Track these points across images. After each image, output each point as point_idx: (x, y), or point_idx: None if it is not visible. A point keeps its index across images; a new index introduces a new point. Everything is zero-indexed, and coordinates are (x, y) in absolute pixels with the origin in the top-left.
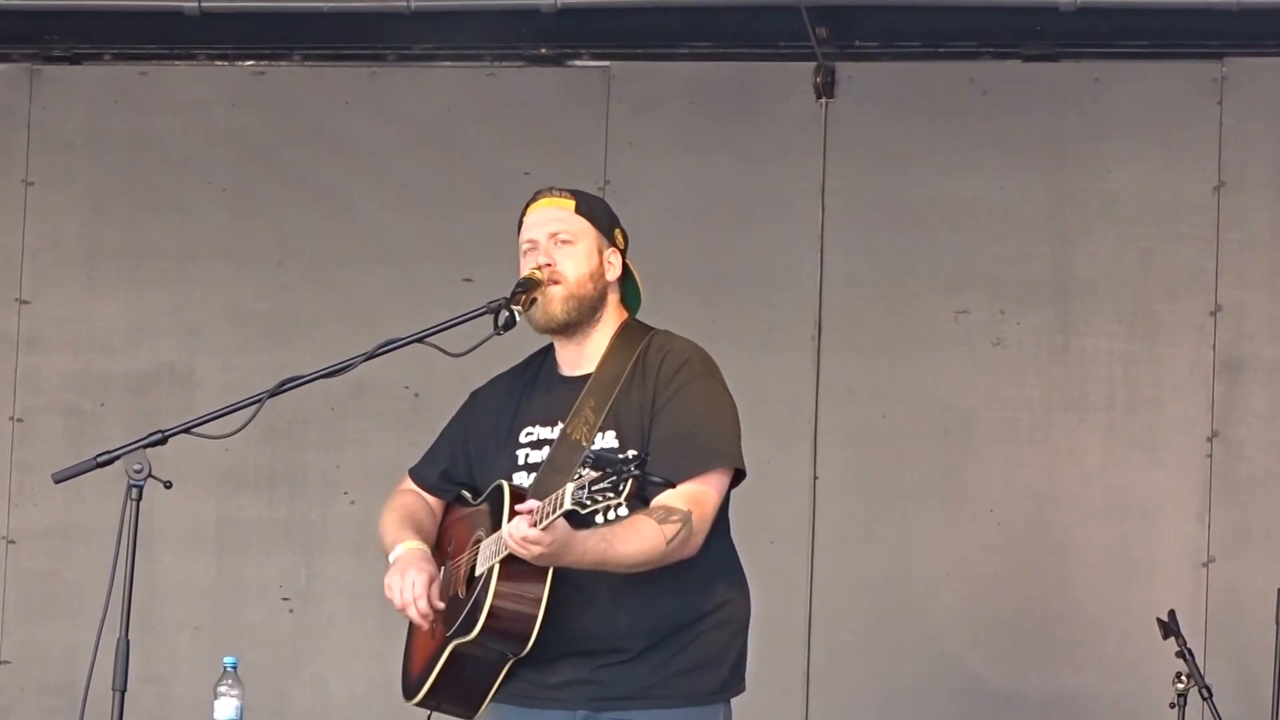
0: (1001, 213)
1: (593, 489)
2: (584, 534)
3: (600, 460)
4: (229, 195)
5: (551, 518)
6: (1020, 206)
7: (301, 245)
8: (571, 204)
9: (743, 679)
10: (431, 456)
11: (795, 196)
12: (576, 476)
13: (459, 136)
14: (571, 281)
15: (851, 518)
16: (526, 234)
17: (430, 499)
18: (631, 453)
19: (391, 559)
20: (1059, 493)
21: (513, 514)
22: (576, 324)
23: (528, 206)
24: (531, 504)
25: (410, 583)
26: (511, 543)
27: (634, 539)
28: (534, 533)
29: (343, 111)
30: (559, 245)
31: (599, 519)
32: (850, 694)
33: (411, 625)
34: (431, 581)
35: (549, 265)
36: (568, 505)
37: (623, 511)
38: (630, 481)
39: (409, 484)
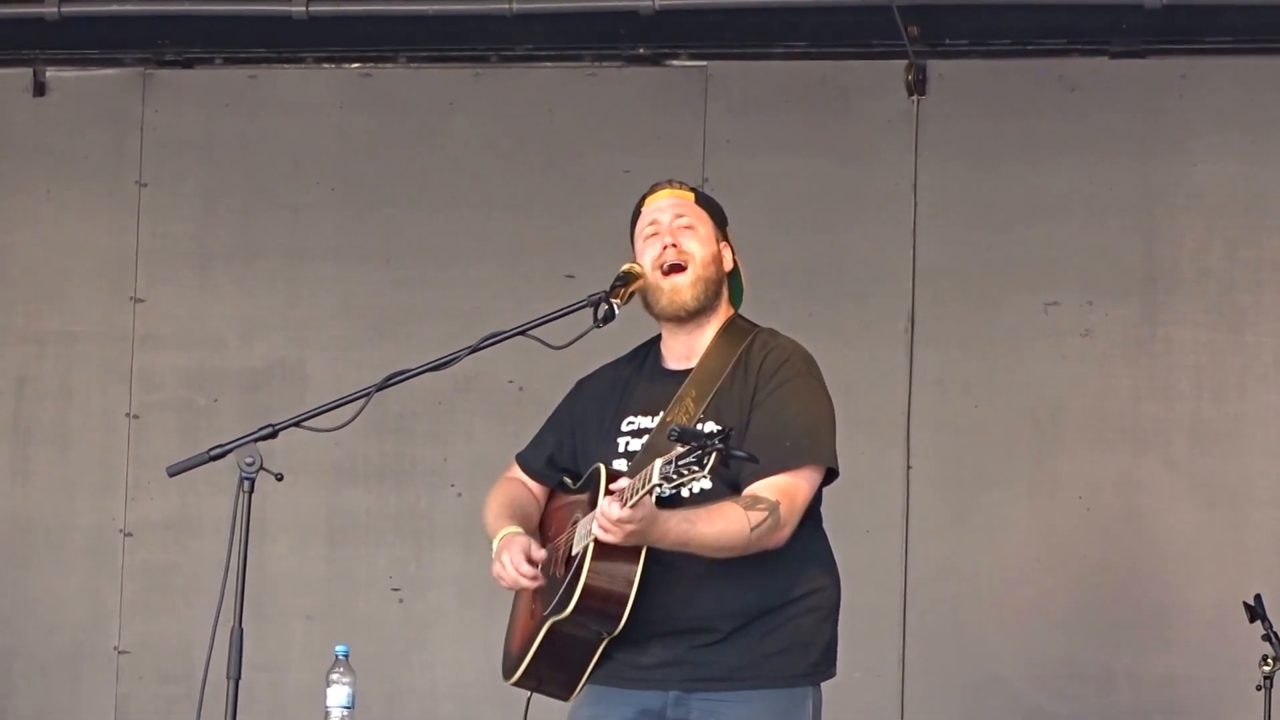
0: (1090, 207)
1: (679, 464)
2: (668, 513)
3: (685, 434)
4: (337, 195)
5: (640, 493)
6: (1108, 200)
7: (408, 243)
8: (691, 195)
9: (833, 664)
10: (538, 443)
11: (888, 192)
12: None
13: (560, 136)
14: (699, 262)
15: (944, 506)
16: (649, 217)
17: (534, 485)
18: (715, 427)
19: (495, 548)
20: (1147, 481)
21: (607, 494)
22: (703, 310)
23: (645, 197)
24: (623, 483)
25: (511, 559)
26: (602, 521)
27: (718, 521)
28: (625, 512)
29: (447, 112)
30: (682, 230)
31: (685, 493)
32: (944, 679)
33: (514, 607)
34: (526, 549)
35: (674, 246)
36: (655, 480)
37: (705, 484)
38: (714, 455)
39: (515, 470)
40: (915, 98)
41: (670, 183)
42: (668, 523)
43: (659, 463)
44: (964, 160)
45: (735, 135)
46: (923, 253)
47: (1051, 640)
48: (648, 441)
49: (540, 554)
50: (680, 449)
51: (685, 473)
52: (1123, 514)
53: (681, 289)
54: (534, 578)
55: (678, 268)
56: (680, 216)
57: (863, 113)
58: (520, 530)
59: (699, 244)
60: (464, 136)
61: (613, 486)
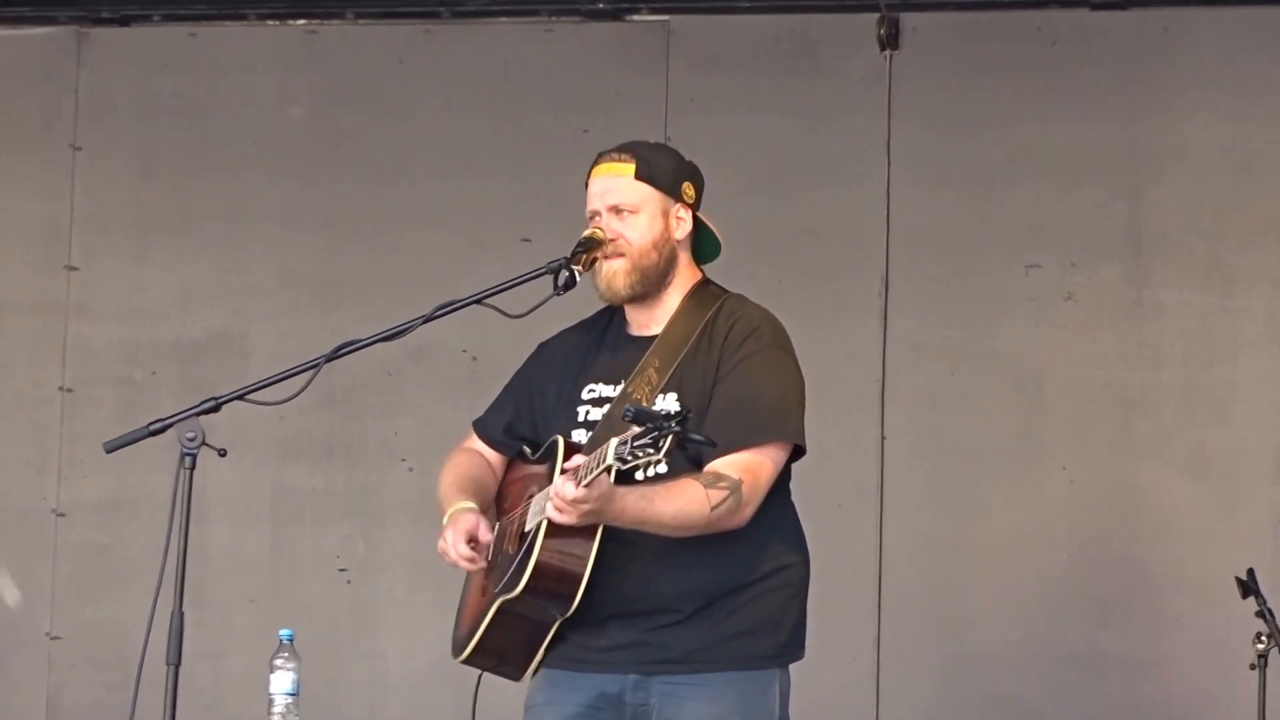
0: (1072, 165)
1: (634, 444)
2: (624, 490)
3: (640, 415)
4: (282, 158)
5: (595, 473)
6: (1091, 159)
7: (356, 207)
8: (630, 168)
9: (801, 646)
10: (496, 409)
11: (860, 153)
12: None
13: (516, 95)
14: (635, 252)
15: (921, 479)
16: (589, 204)
17: (491, 455)
18: (674, 408)
19: (445, 522)
20: (1134, 451)
21: (563, 473)
22: (643, 295)
23: (592, 168)
24: (578, 460)
25: (450, 538)
26: (556, 501)
27: (676, 499)
28: (579, 492)
29: (396, 70)
30: (620, 217)
31: (639, 475)
32: (921, 660)
33: (466, 582)
34: (472, 529)
35: (613, 241)
36: (610, 460)
37: (662, 469)
38: (670, 438)
39: (473, 439)
40: (888, 53)
41: (609, 155)
42: (624, 500)
43: (614, 442)
44: (939, 118)
45: (699, 93)
46: (897, 215)
47: (1035, 620)
48: (609, 412)
49: (487, 536)
50: (636, 430)
51: (640, 454)
52: (1109, 486)
53: (615, 276)
54: (472, 560)
55: (614, 255)
56: (616, 205)
57: (833, 69)
58: (473, 506)
59: (636, 233)
60: (414, 96)
61: (568, 464)
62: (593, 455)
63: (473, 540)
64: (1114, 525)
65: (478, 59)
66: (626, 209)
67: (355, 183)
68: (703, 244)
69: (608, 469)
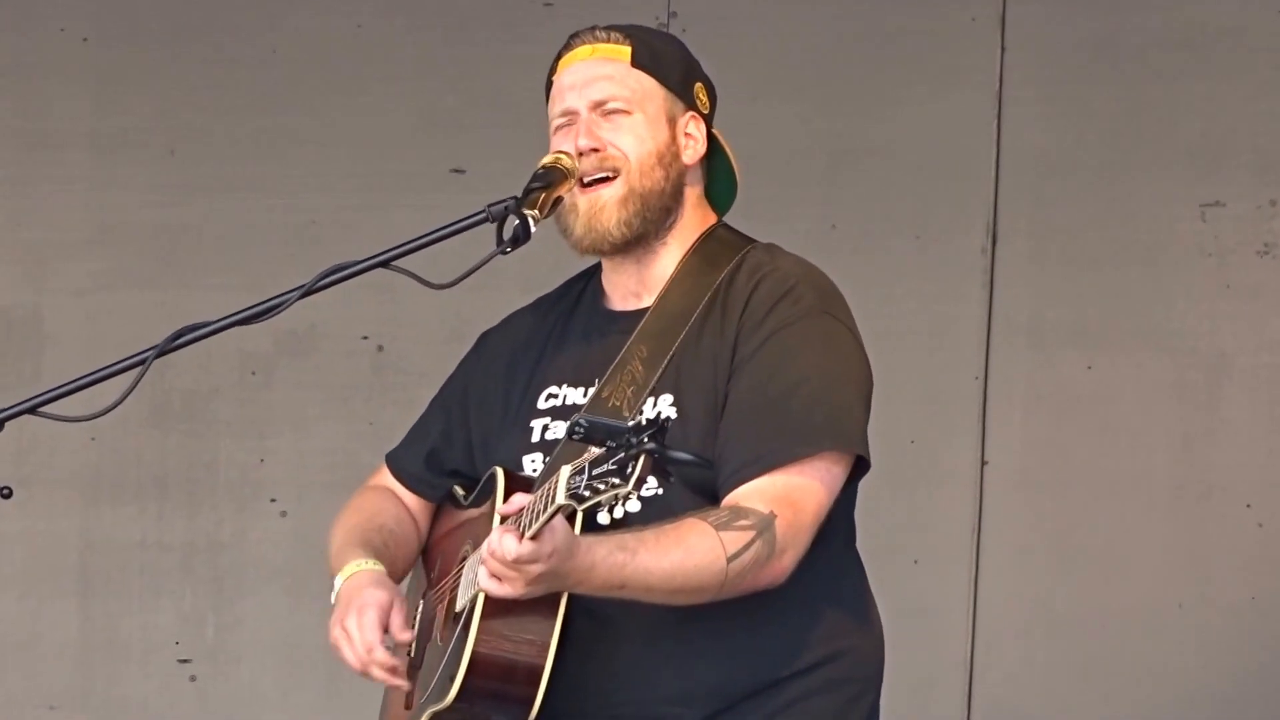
0: (1276, 49)
1: (592, 475)
2: (592, 540)
3: (596, 429)
4: (93, 48)
5: (542, 519)
6: None
7: (202, 123)
8: (627, 50)
9: None
10: (417, 433)
11: (959, 35)
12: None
13: None
14: (634, 169)
15: (1037, 521)
16: (559, 102)
17: (411, 500)
18: (643, 416)
19: (334, 597)
20: None
21: (502, 521)
22: (640, 237)
23: (559, 59)
24: (519, 500)
25: (360, 628)
26: (493, 564)
27: (672, 548)
28: (525, 548)
29: None
30: (609, 117)
31: (602, 518)
32: None
33: (385, 696)
34: (384, 612)
35: (595, 150)
36: (561, 499)
37: (632, 506)
38: (640, 460)
39: (384, 476)
40: None
41: (594, 33)
42: (592, 554)
43: (565, 472)
44: None
45: None
46: (1012, 126)
47: (1201, 712)
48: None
49: (406, 635)
50: (594, 452)
51: (603, 487)
52: None
53: (603, 209)
54: (393, 671)
55: (600, 179)
56: (604, 102)
57: None
58: (379, 567)
59: (634, 137)
60: None
61: (507, 508)
62: (539, 493)
63: (386, 630)
64: None
65: None
66: (619, 107)
67: (201, 85)
68: (714, 181)
69: (556, 512)
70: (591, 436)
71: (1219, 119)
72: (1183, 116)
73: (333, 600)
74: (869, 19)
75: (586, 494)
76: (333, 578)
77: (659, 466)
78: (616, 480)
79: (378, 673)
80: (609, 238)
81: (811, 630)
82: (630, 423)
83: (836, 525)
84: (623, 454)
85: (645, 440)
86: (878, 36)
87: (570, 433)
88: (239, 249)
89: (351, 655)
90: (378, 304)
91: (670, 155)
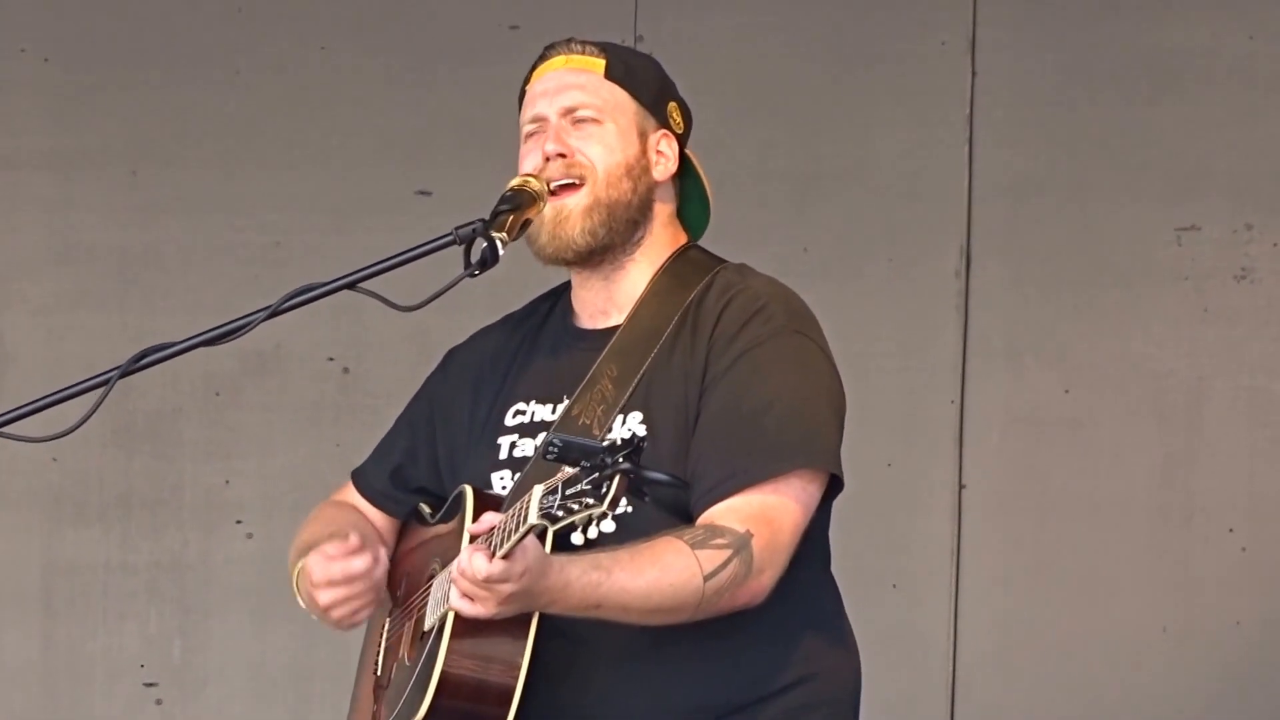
0: (1250, 74)
1: (567, 494)
2: (565, 560)
3: (570, 448)
4: (55, 67)
5: (514, 538)
6: (1274, 63)
7: (165, 143)
8: (601, 63)
9: None
10: (382, 450)
11: (930, 55)
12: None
13: None
14: (600, 179)
15: (1017, 545)
16: (530, 108)
17: (377, 516)
18: (617, 436)
19: (301, 600)
20: None
21: (472, 540)
22: (606, 249)
23: (533, 69)
24: (489, 519)
25: (331, 577)
26: (463, 583)
27: (648, 567)
28: (496, 567)
29: None
30: (579, 125)
31: (576, 538)
32: None
33: (351, 707)
34: (354, 551)
35: (562, 156)
36: (533, 519)
37: (607, 527)
38: (616, 479)
39: (349, 493)
40: None
41: (569, 45)
42: (565, 573)
43: (538, 492)
44: (1050, 1)
45: None
46: (984, 149)
47: None
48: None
49: (362, 556)
50: (568, 472)
51: (576, 507)
52: None
53: (568, 218)
54: (374, 561)
55: (566, 185)
56: (575, 109)
57: None
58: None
59: (603, 147)
60: None
61: (477, 526)
62: (510, 512)
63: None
64: None
65: None
66: (589, 115)
67: (166, 105)
68: (688, 203)
69: (528, 532)
70: (566, 456)
71: (1193, 143)
72: (1157, 140)
73: (294, 583)
74: (839, 42)
75: (560, 514)
76: (291, 580)
77: (634, 486)
78: (591, 500)
79: (379, 571)
80: (573, 245)
81: (788, 652)
82: (605, 442)
83: (812, 547)
84: (597, 474)
85: (620, 460)
86: (848, 60)
87: (544, 452)
88: (202, 270)
89: (359, 596)
90: (343, 325)
91: (639, 169)
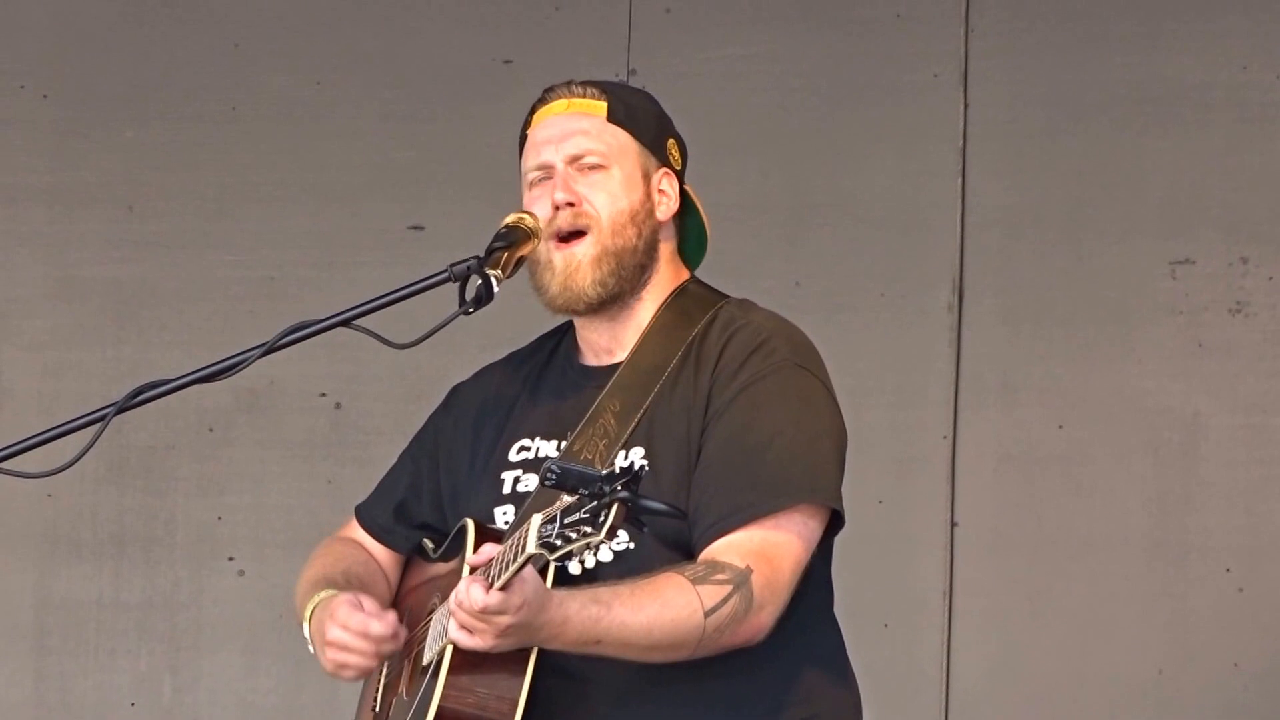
0: (1244, 106)
1: (565, 522)
2: (565, 594)
3: (566, 476)
4: (53, 104)
5: (512, 569)
6: (1277, 93)
7: (161, 179)
8: (603, 106)
9: None
10: (386, 486)
11: (922, 88)
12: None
13: (405, 8)
14: (605, 226)
15: (1010, 583)
16: (534, 156)
17: (380, 552)
18: (618, 464)
19: (307, 631)
20: None
21: (471, 571)
22: (616, 296)
23: (533, 113)
24: (488, 550)
25: (346, 621)
26: (461, 616)
27: (649, 603)
28: (493, 599)
29: None
30: (585, 173)
31: (573, 567)
32: None
33: None
34: (357, 603)
35: (571, 205)
36: (531, 548)
37: (604, 555)
38: (614, 508)
39: (353, 529)
40: None
41: (570, 88)
42: (566, 608)
43: (536, 521)
44: (1043, 37)
45: (681, 7)
46: (978, 183)
47: None
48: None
49: (385, 621)
50: (566, 500)
51: (574, 535)
52: None
53: (578, 268)
54: (394, 635)
55: (575, 233)
56: (581, 156)
57: None
58: (331, 593)
59: (609, 195)
60: (245, 9)
61: (476, 558)
62: (509, 542)
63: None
64: None
65: None
66: (594, 162)
67: (164, 143)
68: (686, 237)
69: (526, 561)
70: (564, 483)
71: (1187, 175)
72: (1151, 173)
73: (311, 649)
74: (832, 75)
75: (558, 543)
76: (299, 616)
77: (632, 515)
78: (589, 529)
79: (387, 646)
80: (584, 297)
81: (789, 690)
82: (604, 470)
83: (814, 585)
84: (595, 502)
85: (618, 488)
86: (840, 93)
87: (542, 479)
88: (198, 305)
89: (352, 649)
90: (337, 362)
91: (644, 212)
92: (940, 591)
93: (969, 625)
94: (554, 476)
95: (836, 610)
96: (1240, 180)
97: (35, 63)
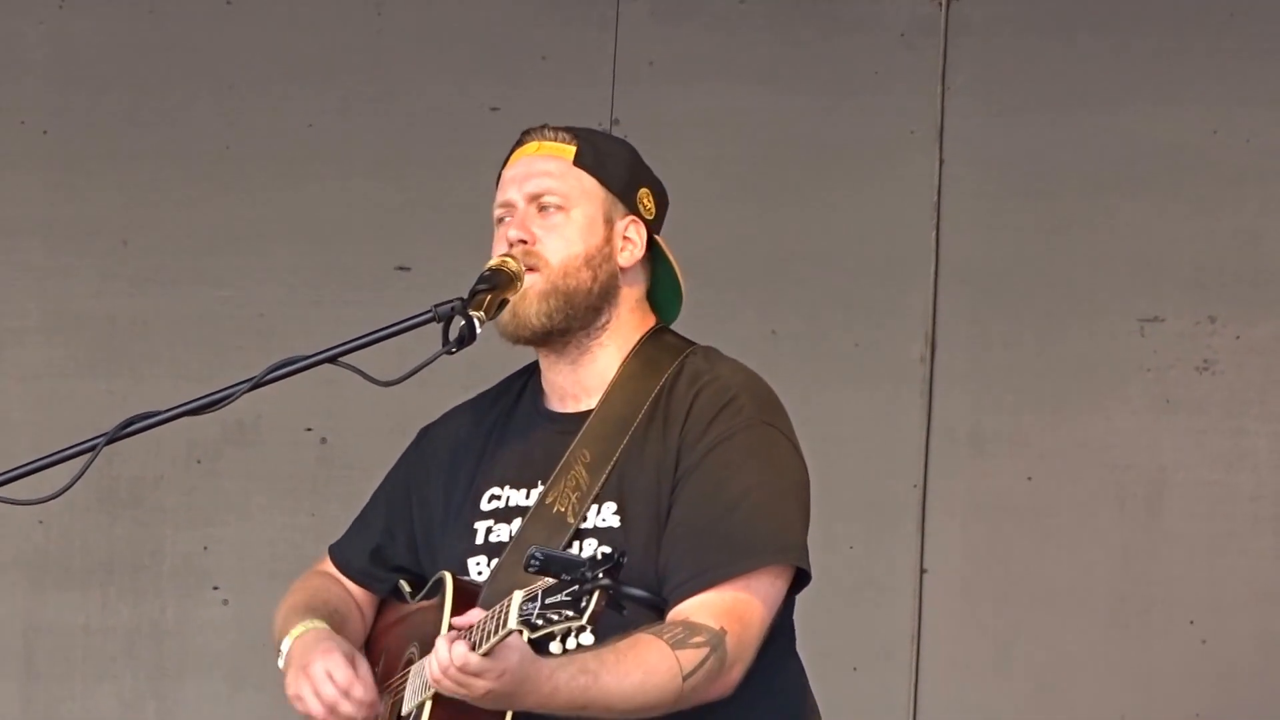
0: (1213, 167)
1: (546, 602)
2: (555, 663)
3: (551, 563)
4: (52, 140)
5: (494, 639)
6: (1246, 156)
7: (156, 215)
8: (571, 150)
9: None
10: (360, 527)
11: (898, 143)
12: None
13: (391, 53)
14: (555, 267)
15: (978, 631)
16: (502, 194)
17: (356, 592)
18: (600, 549)
19: (282, 661)
20: None
21: (451, 630)
22: (564, 332)
23: (510, 154)
24: (473, 615)
25: (324, 673)
26: (443, 680)
27: (633, 670)
28: (477, 661)
29: (222, 17)
30: (543, 214)
31: (554, 647)
32: None
33: None
34: (352, 659)
35: (523, 243)
36: (513, 624)
37: (586, 639)
38: (595, 595)
39: (327, 566)
40: (943, 1)
41: (543, 132)
42: (555, 677)
43: (518, 598)
44: (1014, 91)
45: (660, 54)
46: (951, 238)
47: None
48: (520, 533)
49: (364, 687)
50: (548, 582)
51: (556, 618)
52: (1257, 647)
53: (524, 297)
54: (371, 705)
55: (529, 269)
56: (540, 196)
57: (862, 22)
58: (322, 625)
59: (563, 239)
60: (241, 52)
61: (458, 620)
62: (491, 612)
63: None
64: (1265, 702)
65: (339, 7)
66: (554, 203)
67: (158, 181)
68: (659, 289)
69: (507, 635)
70: (547, 569)
71: (1157, 234)
72: (1121, 231)
73: (281, 664)
74: (809, 129)
75: (539, 623)
76: (276, 646)
77: (613, 602)
78: (570, 613)
79: (349, 711)
80: (529, 325)
81: None
82: (588, 556)
83: (778, 630)
84: (578, 587)
85: (601, 576)
86: (818, 146)
87: (525, 565)
88: (189, 340)
89: (317, 705)
90: (322, 397)
91: (601, 257)
92: (909, 636)
93: (936, 670)
94: (538, 563)
95: (806, 653)
96: (1209, 240)
97: (35, 99)
